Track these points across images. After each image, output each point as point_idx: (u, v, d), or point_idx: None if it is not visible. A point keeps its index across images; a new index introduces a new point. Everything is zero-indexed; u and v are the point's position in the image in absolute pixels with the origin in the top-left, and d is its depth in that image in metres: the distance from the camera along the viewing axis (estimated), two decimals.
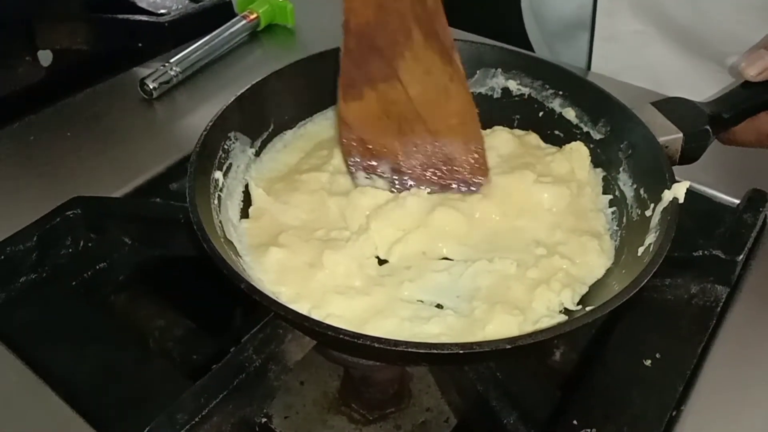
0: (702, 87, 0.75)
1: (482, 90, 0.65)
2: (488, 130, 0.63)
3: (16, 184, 0.65)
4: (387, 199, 0.55)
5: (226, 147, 0.54)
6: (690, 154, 0.56)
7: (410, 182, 0.55)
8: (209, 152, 0.52)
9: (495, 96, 0.65)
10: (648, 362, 0.49)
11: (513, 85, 0.64)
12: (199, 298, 0.64)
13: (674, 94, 0.60)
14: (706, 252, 0.54)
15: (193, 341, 0.62)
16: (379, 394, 0.58)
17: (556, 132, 0.63)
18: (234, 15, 0.87)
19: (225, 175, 0.54)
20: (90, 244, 0.57)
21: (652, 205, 0.51)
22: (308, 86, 0.61)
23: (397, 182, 0.55)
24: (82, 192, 0.59)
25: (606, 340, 0.52)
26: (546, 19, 0.98)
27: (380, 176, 0.55)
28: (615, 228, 0.56)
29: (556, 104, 0.63)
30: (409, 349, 0.39)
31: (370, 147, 0.54)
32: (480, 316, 0.47)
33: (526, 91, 0.64)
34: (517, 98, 0.64)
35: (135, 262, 0.58)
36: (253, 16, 0.86)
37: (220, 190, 0.53)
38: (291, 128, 0.62)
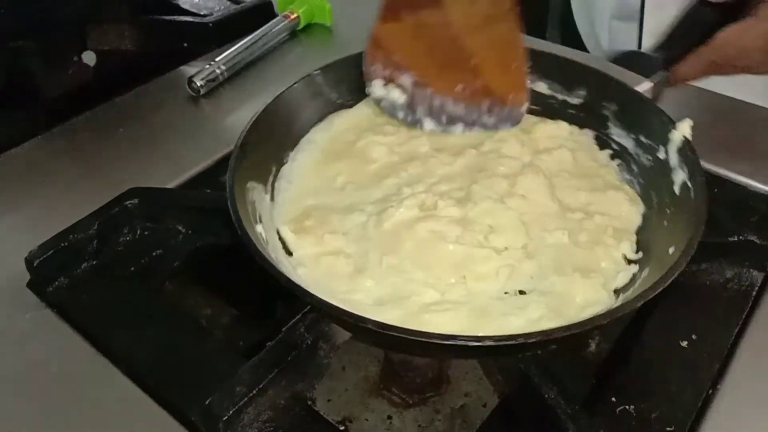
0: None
1: None
2: None
3: (74, 177, 0.68)
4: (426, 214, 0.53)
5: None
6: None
7: (434, 97, 0.51)
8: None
9: None
10: (684, 343, 0.50)
11: None
12: (247, 286, 0.66)
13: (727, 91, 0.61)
14: (741, 237, 0.55)
15: (239, 327, 0.64)
16: (418, 379, 0.59)
17: (533, 107, 0.63)
18: (275, 15, 0.90)
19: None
20: (146, 233, 0.60)
21: (662, 148, 0.53)
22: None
23: (416, 96, 0.51)
24: (137, 184, 0.61)
25: (641, 327, 0.53)
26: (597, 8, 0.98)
27: (398, 87, 0.51)
28: (628, 177, 0.57)
29: None
30: (522, 341, 0.40)
31: (396, 59, 0.51)
32: (563, 289, 0.48)
33: None
34: None
35: (189, 250, 0.60)
36: (293, 16, 0.88)
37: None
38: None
